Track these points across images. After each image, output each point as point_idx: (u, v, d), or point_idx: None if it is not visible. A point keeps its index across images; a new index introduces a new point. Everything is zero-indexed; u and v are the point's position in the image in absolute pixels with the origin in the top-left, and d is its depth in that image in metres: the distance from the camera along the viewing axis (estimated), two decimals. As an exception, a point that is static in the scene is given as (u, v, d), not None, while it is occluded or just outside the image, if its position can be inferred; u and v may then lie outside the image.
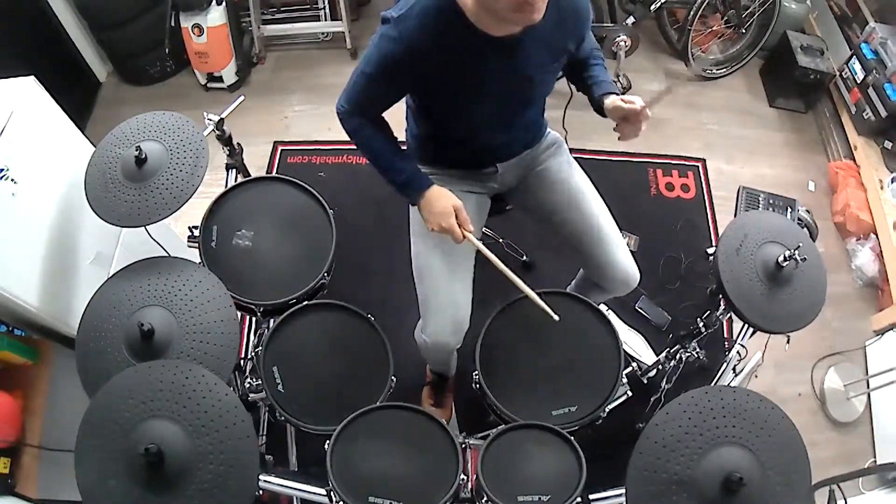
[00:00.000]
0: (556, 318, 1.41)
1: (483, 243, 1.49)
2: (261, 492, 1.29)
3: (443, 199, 1.43)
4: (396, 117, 1.55)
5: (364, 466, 1.32)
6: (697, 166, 2.91)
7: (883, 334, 2.43)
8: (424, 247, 1.60)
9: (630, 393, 1.66)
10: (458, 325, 1.56)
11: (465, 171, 1.65)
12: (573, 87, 1.62)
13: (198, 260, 1.62)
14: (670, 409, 1.18)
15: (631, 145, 2.87)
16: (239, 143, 1.90)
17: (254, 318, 1.69)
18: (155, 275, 1.45)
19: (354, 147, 1.50)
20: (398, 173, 1.46)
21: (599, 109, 1.45)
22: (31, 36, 2.66)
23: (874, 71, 2.80)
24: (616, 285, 1.68)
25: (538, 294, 1.43)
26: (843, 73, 3.02)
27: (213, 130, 1.77)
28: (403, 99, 1.56)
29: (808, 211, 2.70)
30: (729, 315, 1.77)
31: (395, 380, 1.52)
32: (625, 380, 1.57)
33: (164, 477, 1.11)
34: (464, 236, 1.43)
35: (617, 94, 1.41)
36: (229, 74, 3.01)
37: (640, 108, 1.32)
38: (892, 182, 2.71)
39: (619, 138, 1.42)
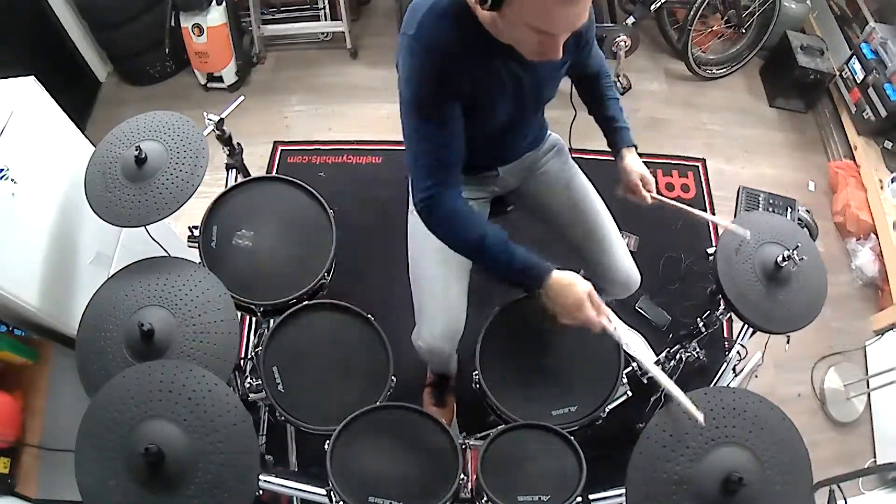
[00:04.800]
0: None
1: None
2: (261, 492, 1.29)
3: (573, 285, 1.24)
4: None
5: (364, 466, 1.32)
6: (697, 166, 2.91)
7: (883, 334, 2.43)
8: (421, 252, 1.59)
9: (630, 393, 1.66)
10: (453, 332, 1.56)
11: (465, 176, 1.64)
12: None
13: (198, 260, 1.62)
14: (670, 410, 1.19)
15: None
16: (239, 143, 1.90)
17: (254, 318, 1.69)
18: (155, 275, 1.45)
19: (450, 240, 1.32)
20: (513, 258, 1.26)
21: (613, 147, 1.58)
22: (31, 36, 2.66)
23: (874, 71, 2.80)
24: (616, 287, 1.68)
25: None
26: (843, 73, 3.02)
27: (213, 130, 1.76)
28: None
29: (808, 211, 2.71)
30: (729, 315, 1.77)
31: (395, 380, 1.51)
32: (625, 380, 1.57)
33: (164, 477, 1.11)
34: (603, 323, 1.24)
35: (636, 148, 1.57)
36: (229, 74, 3.01)
37: (648, 202, 1.51)
38: (892, 182, 2.71)
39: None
